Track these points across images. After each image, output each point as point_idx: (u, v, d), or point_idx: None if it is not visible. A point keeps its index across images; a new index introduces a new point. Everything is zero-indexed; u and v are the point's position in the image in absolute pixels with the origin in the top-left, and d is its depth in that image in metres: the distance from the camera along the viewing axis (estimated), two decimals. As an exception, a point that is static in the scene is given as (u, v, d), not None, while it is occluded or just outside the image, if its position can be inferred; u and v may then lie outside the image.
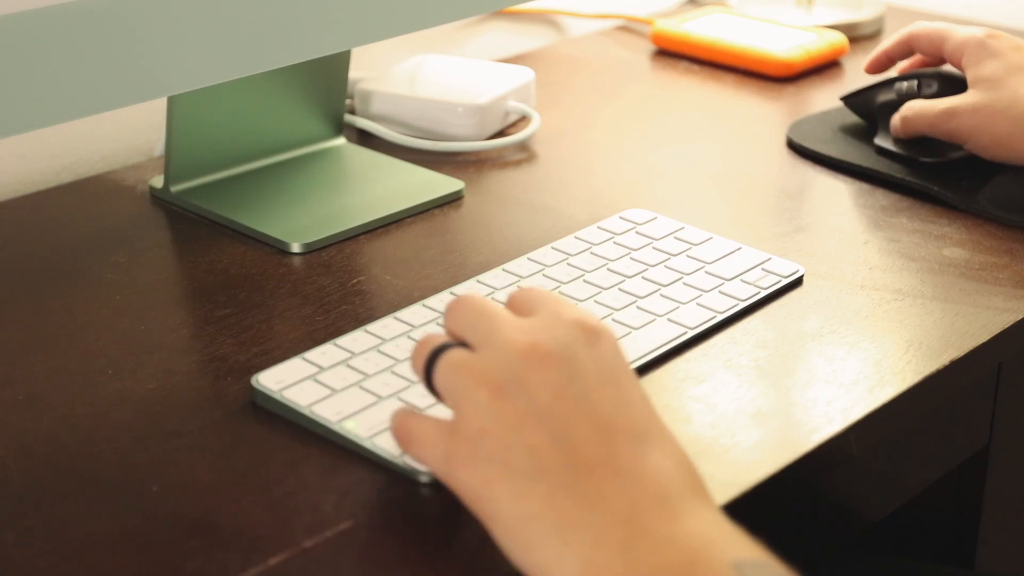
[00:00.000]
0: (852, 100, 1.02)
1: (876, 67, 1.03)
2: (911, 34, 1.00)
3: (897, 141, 0.96)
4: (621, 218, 0.85)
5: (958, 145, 0.93)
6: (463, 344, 0.58)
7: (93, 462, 0.63)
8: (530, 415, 0.54)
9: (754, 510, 0.63)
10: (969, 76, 0.93)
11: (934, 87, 0.95)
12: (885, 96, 0.98)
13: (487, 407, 0.55)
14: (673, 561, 0.51)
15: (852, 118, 1.02)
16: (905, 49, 1.01)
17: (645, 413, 0.56)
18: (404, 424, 0.59)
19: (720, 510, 0.55)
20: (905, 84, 0.97)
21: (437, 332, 0.61)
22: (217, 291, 0.79)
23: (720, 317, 0.75)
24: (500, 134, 1.03)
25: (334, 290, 0.79)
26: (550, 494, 0.53)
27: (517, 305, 0.60)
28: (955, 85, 0.94)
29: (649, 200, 0.91)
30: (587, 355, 0.56)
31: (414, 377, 0.67)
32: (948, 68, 0.97)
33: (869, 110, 1.00)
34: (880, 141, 0.97)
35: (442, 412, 0.61)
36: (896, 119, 0.95)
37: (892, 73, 1.02)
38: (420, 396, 0.66)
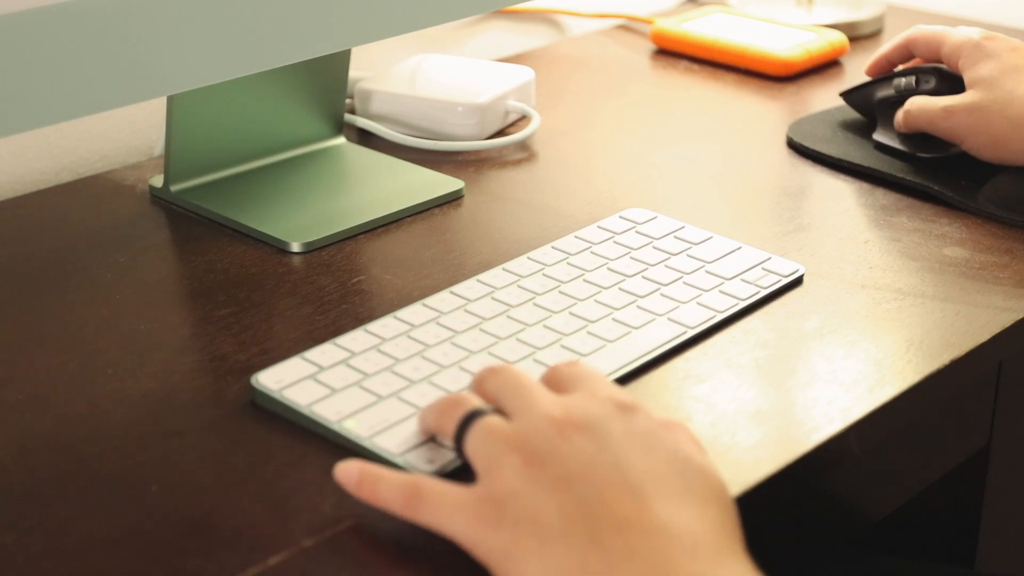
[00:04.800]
0: (851, 96, 1.02)
1: (876, 71, 1.04)
2: (909, 38, 1.00)
3: (896, 136, 0.96)
4: (621, 217, 0.85)
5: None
6: (496, 411, 0.59)
7: (93, 462, 0.63)
8: (562, 480, 0.54)
9: (754, 510, 0.63)
10: (966, 77, 0.93)
11: (931, 82, 0.96)
12: (883, 92, 0.99)
13: (519, 472, 0.55)
14: None
15: (852, 116, 1.03)
16: (904, 53, 1.01)
17: (681, 476, 0.55)
18: (415, 486, 0.57)
19: (755, 568, 0.54)
20: (903, 80, 0.97)
21: (466, 394, 0.61)
22: (217, 291, 0.79)
23: (720, 316, 0.75)
24: (500, 134, 1.03)
25: (334, 290, 0.79)
26: (579, 550, 0.52)
27: (554, 380, 0.61)
28: (952, 81, 0.95)
29: (649, 200, 0.91)
30: (620, 427, 0.56)
31: (414, 376, 0.67)
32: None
33: (868, 106, 1.01)
34: (879, 136, 0.97)
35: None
36: (899, 114, 0.96)
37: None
38: (419, 396, 0.66)
